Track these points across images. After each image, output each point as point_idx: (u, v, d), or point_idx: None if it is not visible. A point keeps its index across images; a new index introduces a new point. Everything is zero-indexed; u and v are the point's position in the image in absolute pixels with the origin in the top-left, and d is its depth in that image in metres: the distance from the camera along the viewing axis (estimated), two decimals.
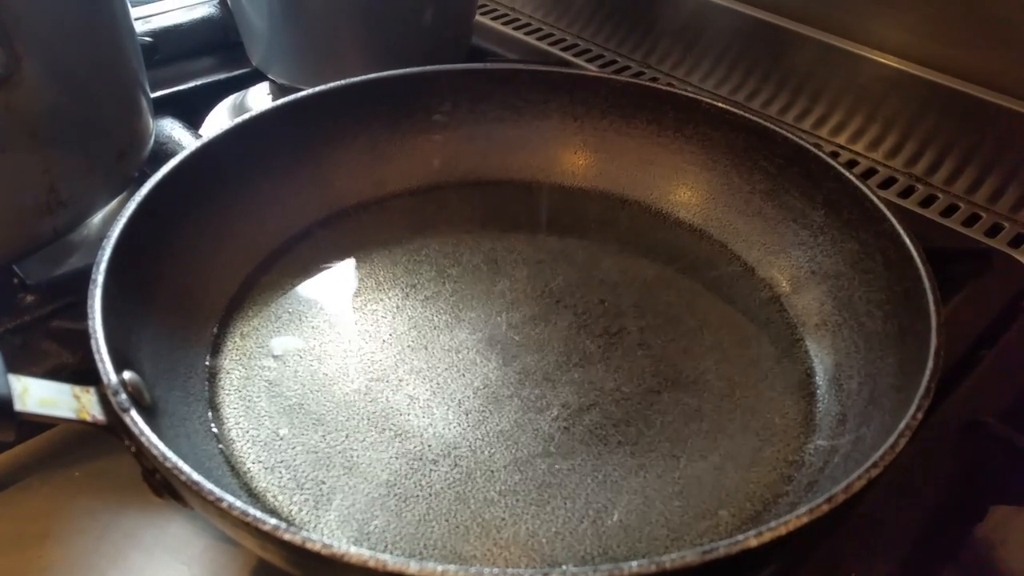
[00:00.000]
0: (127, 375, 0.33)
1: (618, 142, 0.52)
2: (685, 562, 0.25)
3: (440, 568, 0.25)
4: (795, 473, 0.36)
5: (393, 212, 0.51)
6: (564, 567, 0.25)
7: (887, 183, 0.59)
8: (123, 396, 0.30)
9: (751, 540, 0.26)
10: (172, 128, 0.56)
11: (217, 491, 0.27)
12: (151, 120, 0.50)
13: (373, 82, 0.49)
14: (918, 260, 0.38)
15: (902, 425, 0.30)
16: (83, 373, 0.33)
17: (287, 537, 0.26)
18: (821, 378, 0.41)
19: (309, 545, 0.25)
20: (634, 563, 0.25)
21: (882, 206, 0.41)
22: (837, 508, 0.28)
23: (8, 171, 0.40)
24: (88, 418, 0.31)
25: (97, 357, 0.31)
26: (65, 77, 0.41)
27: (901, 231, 0.39)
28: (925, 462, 0.37)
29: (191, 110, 0.60)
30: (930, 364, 0.33)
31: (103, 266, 0.35)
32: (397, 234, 0.49)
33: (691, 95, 0.49)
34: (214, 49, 0.67)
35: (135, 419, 0.29)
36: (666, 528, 0.34)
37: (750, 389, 0.40)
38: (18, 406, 0.29)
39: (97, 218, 0.49)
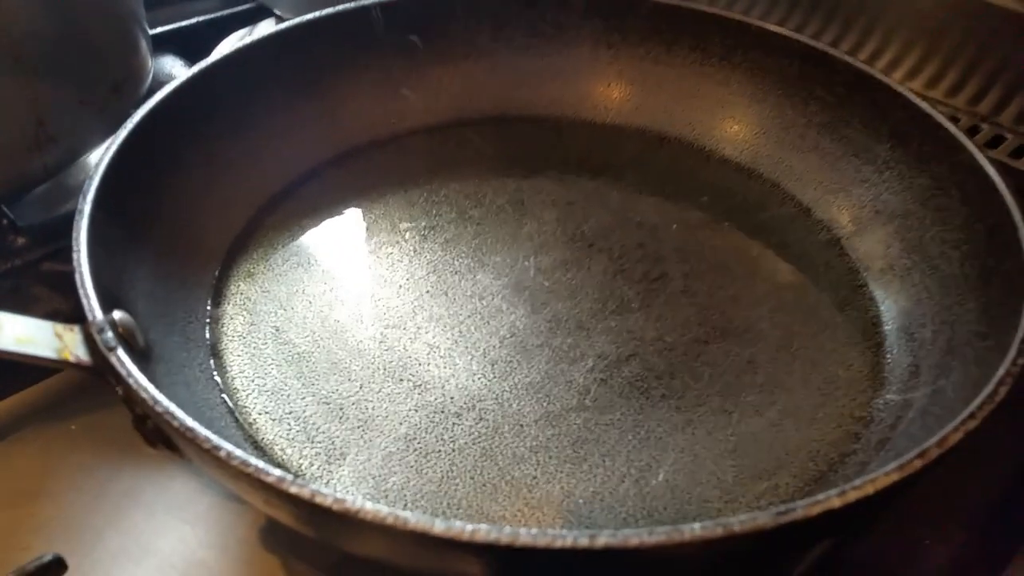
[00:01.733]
0: (117, 315, 0.30)
1: (657, 72, 0.47)
2: (756, 525, 0.21)
3: (469, 528, 0.21)
4: (863, 430, 0.33)
5: (409, 151, 0.47)
6: (611, 531, 0.21)
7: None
8: (109, 334, 0.27)
9: (834, 500, 0.22)
10: (173, 66, 0.54)
11: (214, 438, 0.24)
12: (149, 55, 0.47)
13: (386, 5, 0.45)
14: (1005, 193, 0.34)
15: (1001, 371, 0.26)
16: (77, 319, 0.30)
17: (294, 490, 0.22)
18: (889, 327, 0.37)
19: (319, 500, 0.22)
20: (696, 525, 0.21)
21: (959, 134, 0.37)
22: (930, 464, 0.24)
23: None
24: (71, 358, 0.27)
25: (82, 292, 0.28)
26: None
27: (983, 161, 0.35)
28: (1005, 420, 0.33)
29: (193, 48, 0.57)
30: None
31: (90, 196, 0.32)
32: (414, 174, 0.45)
33: (740, 18, 0.45)
34: None
35: (122, 359, 0.26)
36: (718, 489, 0.31)
37: (809, 339, 0.37)
38: None
39: (92, 158, 0.46)
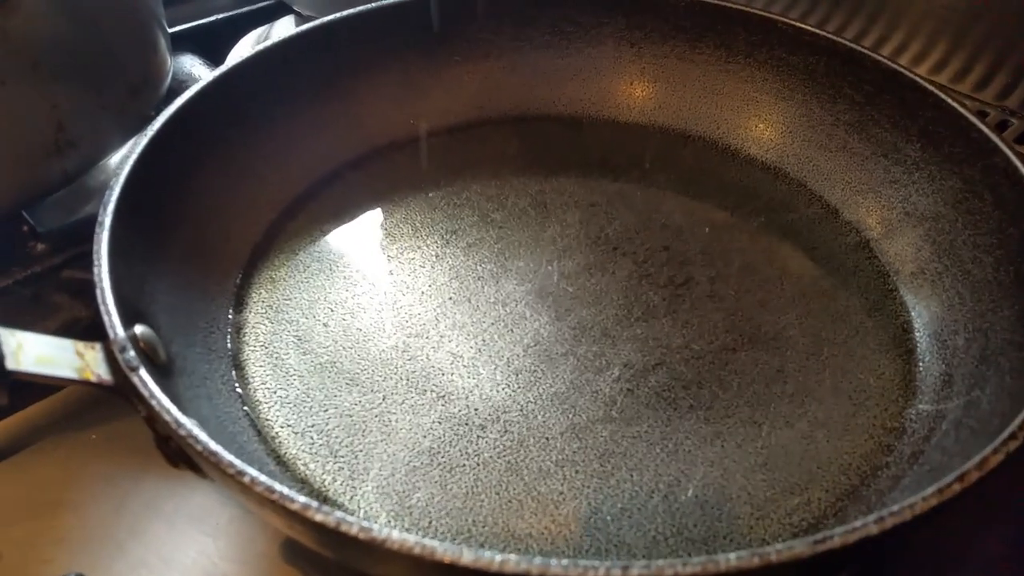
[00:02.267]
0: (139, 329, 0.29)
1: (681, 70, 0.47)
2: (795, 554, 0.21)
3: (499, 558, 0.21)
4: (895, 442, 0.32)
5: (430, 152, 0.46)
6: (645, 561, 0.20)
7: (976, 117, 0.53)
8: (131, 353, 0.27)
9: (871, 527, 0.22)
10: (192, 65, 0.53)
11: (238, 463, 0.23)
12: (168, 55, 0.47)
13: (405, 5, 0.45)
14: None
15: None
16: (97, 328, 0.30)
17: (319, 518, 0.22)
18: (920, 333, 0.36)
19: (344, 528, 0.22)
20: (732, 555, 0.21)
21: (993, 136, 0.36)
22: (970, 488, 0.23)
23: (10, 106, 0.37)
24: (92, 378, 0.27)
25: (103, 309, 0.28)
26: (68, 2, 0.38)
27: (1019, 164, 0.34)
28: None
29: (212, 46, 0.57)
30: None
31: (111, 207, 0.32)
32: (435, 176, 0.45)
33: (765, 14, 0.44)
34: None
35: (144, 379, 0.26)
36: (749, 505, 0.30)
37: (839, 346, 0.36)
38: (11, 364, 0.26)
39: (112, 161, 0.46)
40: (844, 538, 0.21)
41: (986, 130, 0.36)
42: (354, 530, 0.22)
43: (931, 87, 0.39)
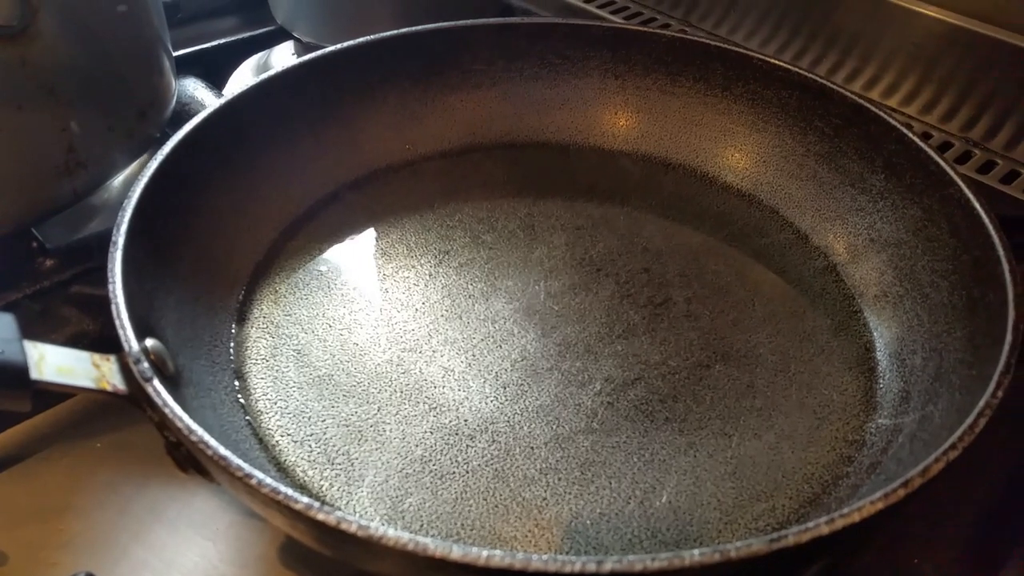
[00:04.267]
0: (149, 343, 0.31)
1: (662, 101, 0.49)
2: (752, 551, 0.23)
3: (485, 554, 0.23)
4: (855, 453, 0.34)
5: (424, 175, 0.48)
6: (617, 557, 0.23)
7: (942, 148, 0.56)
8: (145, 365, 0.29)
9: (823, 527, 0.24)
10: (195, 88, 0.55)
11: (246, 467, 0.25)
12: (173, 79, 0.48)
13: (403, 37, 0.47)
14: (990, 226, 0.35)
15: (981, 404, 0.28)
16: (104, 341, 0.31)
17: (321, 517, 0.24)
18: (882, 352, 0.38)
19: (344, 526, 0.24)
20: (696, 551, 0.23)
21: (949, 169, 0.38)
22: (913, 493, 0.25)
23: (25, 129, 0.39)
24: (108, 387, 0.29)
25: (118, 323, 0.30)
26: (83, 31, 0.40)
27: (970, 196, 0.37)
28: (992, 441, 0.35)
29: (214, 70, 0.59)
30: (1009, 338, 0.31)
31: (123, 228, 0.34)
32: (429, 198, 0.47)
33: (741, 50, 0.46)
34: (238, 7, 0.66)
35: (158, 389, 0.28)
36: (719, 511, 0.32)
37: (805, 364, 0.38)
38: (34, 374, 0.28)
39: (118, 180, 0.47)
40: (797, 537, 0.23)
41: (943, 163, 0.39)
42: (353, 528, 0.24)
43: (894, 121, 0.41)
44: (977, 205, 0.36)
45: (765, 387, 0.37)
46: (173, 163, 0.38)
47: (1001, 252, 0.34)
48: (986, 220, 0.36)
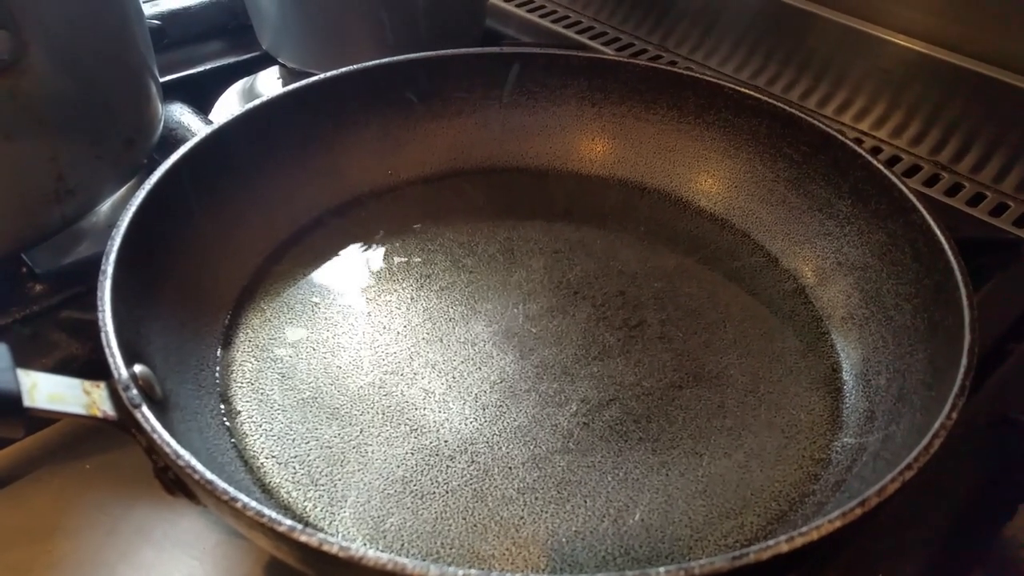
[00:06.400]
0: (138, 368, 0.32)
1: (637, 128, 0.50)
2: (715, 568, 0.24)
3: (461, 573, 0.24)
4: (822, 472, 0.36)
5: (406, 200, 0.50)
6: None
7: (911, 171, 0.58)
8: (134, 391, 0.29)
9: (782, 545, 0.25)
10: (181, 113, 0.56)
11: (231, 490, 0.26)
12: (160, 106, 0.49)
13: (385, 67, 0.48)
14: (949, 253, 0.37)
15: (936, 425, 0.29)
16: (93, 364, 0.32)
17: (303, 539, 0.25)
18: (848, 373, 0.40)
19: (326, 547, 0.25)
20: (662, 569, 0.24)
21: (911, 196, 0.40)
22: (870, 512, 0.27)
23: (15, 159, 0.39)
24: (99, 414, 0.30)
25: (108, 351, 0.31)
26: (72, 63, 0.41)
27: (932, 222, 0.38)
28: (952, 459, 0.36)
29: (200, 95, 0.59)
30: (964, 361, 0.32)
31: (113, 256, 0.34)
32: (411, 223, 0.48)
33: (713, 80, 0.48)
34: (223, 32, 0.66)
35: (147, 415, 0.29)
36: (689, 528, 0.34)
37: (774, 384, 0.39)
38: (27, 402, 0.28)
39: (106, 206, 0.48)
40: (758, 555, 0.25)
41: (906, 190, 0.40)
42: (334, 549, 0.25)
43: (860, 149, 0.43)
44: (938, 231, 0.38)
45: (735, 407, 0.38)
46: (160, 192, 0.39)
47: (959, 277, 0.36)
48: (946, 246, 0.37)
